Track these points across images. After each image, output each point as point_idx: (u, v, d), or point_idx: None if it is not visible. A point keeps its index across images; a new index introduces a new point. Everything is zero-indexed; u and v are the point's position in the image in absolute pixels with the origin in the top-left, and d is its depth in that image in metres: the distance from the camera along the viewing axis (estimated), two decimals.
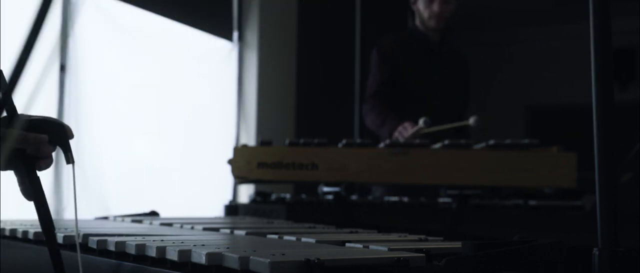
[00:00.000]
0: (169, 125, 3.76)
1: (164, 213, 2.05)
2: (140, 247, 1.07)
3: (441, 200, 2.32)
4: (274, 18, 4.58)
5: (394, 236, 1.31)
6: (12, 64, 0.61)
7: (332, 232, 1.42)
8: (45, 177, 1.04)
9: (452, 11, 2.93)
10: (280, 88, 4.64)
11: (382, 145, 2.31)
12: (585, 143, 1.51)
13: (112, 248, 1.13)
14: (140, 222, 1.75)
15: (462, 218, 2.20)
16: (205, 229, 1.47)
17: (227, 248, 0.98)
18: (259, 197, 2.50)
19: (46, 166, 1.01)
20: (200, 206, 3.43)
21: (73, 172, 1.03)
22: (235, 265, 0.90)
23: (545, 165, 2.16)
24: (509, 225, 2.18)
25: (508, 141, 2.21)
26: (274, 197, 2.46)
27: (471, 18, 5.65)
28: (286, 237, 1.26)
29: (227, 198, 3.59)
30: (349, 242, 1.15)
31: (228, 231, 1.43)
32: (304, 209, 2.30)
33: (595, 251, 1.06)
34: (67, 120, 2.99)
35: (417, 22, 3.00)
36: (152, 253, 1.04)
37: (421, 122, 2.53)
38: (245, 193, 3.88)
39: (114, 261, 1.12)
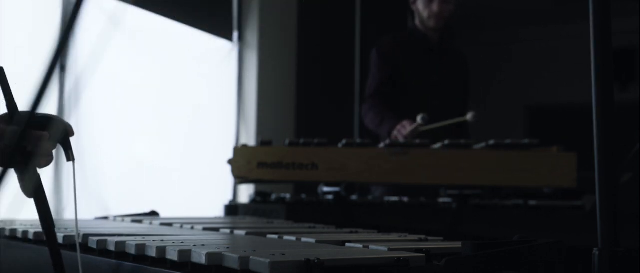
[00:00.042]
0: (168, 125, 3.76)
1: (164, 213, 2.05)
2: (140, 247, 1.07)
3: (441, 200, 2.32)
4: (274, 18, 4.58)
5: (394, 236, 1.31)
6: (42, 68, 0.60)
7: (332, 232, 1.43)
8: (45, 176, 1.04)
9: (451, 11, 2.93)
10: (280, 88, 4.63)
11: (382, 145, 2.31)
12: (585, 143, 1.51)
13: (112, 248, 1.13)
14: (140, 222, 1.75)
15: (462, 218, 2.20)
16: (205, 229, 1.47)
17: (227, 248, 0.98)
18: (259, 197, 2.50)
19: (46, 163, 1.01)
20: (200, 206, 3.43)
21: (73, 170, 1.03)
22: (235, 265, 0.90)
23: (545, 165, 2.16)
24: (509, 225, 2.18)
25: (508, 141, 2.21)
26: (274, 197, 2.46)
27: (471, 18, 5.64)
28: (286, 237, 1.26)
29: (227, 198, 3.59)
30: (349, 242, 1.15)
31: (228, 231, 1.43)
32: (304, 209, 2.30)
33: (595, 251, 1.06)
34: (67, 120, 2.98)
35: (417, 22, 2.99)
36: (152, 253, 1.04)
37: (419, 118, 2.53)
38: (245, 193, 3.88)
39: (114, 261, 1.12)
